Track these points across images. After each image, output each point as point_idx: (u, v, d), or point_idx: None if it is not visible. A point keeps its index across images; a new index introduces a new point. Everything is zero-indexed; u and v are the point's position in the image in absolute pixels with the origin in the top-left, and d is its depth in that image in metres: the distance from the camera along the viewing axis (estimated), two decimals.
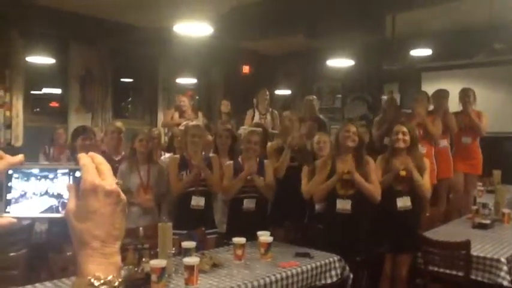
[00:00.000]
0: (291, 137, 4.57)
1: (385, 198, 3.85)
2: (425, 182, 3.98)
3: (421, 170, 3.95)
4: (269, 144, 4.99)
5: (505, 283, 3.28)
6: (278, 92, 9.73)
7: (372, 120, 6.71)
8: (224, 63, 9.43)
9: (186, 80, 8.49)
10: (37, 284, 2.73)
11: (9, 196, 0.84)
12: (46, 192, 0.84)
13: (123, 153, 4.82)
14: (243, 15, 6.18)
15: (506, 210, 4.52)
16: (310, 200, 4.18)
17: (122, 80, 8.89)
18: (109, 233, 0.78)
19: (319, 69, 9.06)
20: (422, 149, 5.00)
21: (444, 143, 5.48)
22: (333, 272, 3.38)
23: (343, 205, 3.81)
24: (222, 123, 6.70)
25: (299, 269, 3.14)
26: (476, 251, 3.47)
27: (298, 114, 5.62)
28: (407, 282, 3.85)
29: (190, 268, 2.75)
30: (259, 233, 3.44)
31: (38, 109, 7.88)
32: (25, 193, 0.84)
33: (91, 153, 0.83)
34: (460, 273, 3.44)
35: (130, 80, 9.15)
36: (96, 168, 0.80)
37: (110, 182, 0.79)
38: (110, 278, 0.76)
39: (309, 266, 3.22)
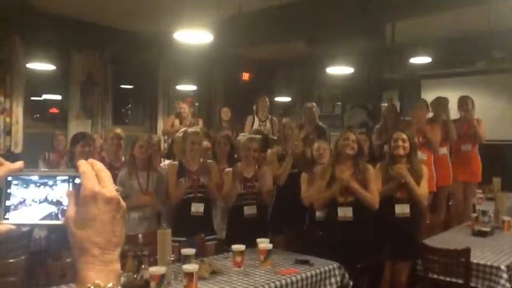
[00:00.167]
0: (293, 144, 4.58)
1: (384, 205, 3.85)
2: (422, 189, 3.97)
3: (418, 177, 3.95)
4: (269, 151, 4.99)
5: None
6: (278, 98, 9.75)
7: (371, 128, 6.72)
8: (224, 70, 9.45)
9: (186, 87, 8.50)
10: None
11: (8, 203, 0.84)
12: (45, 199, 0.84)
13: (123, 159, 4.81)
14: (243, 23, 6.20)
15: (506, 218, 4.51)
16: (310, 206, 4.18)
17: (122, 86, 8.89)
18: (109, 240, 0.78)
19: (319, 76, 9.07)
20: (423, 155, 5.00)
21: (444, 150, 5.48)
22: (333, 280, 3.37)
23: (345, 213, 3.81)
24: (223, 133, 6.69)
25: (299, 276, 3.13)
26: (476, 258, 3.46)
27: (298, 121, 5.63)
28: None
29: (189, 275, 2.74)
30: (258, 240, 3.43)
31: (37, 115, 7.87)
32: (24, 200, 0.84)
33: (91, 160, 0.83)
34: (460, 281, 3.44)
35: (131, 86, 9.16)
36: (95, 175, 0.80)
37: (109, 189, 0.79)
38: (109, 285, 0.76)
39: (308, 273, 3.21)
